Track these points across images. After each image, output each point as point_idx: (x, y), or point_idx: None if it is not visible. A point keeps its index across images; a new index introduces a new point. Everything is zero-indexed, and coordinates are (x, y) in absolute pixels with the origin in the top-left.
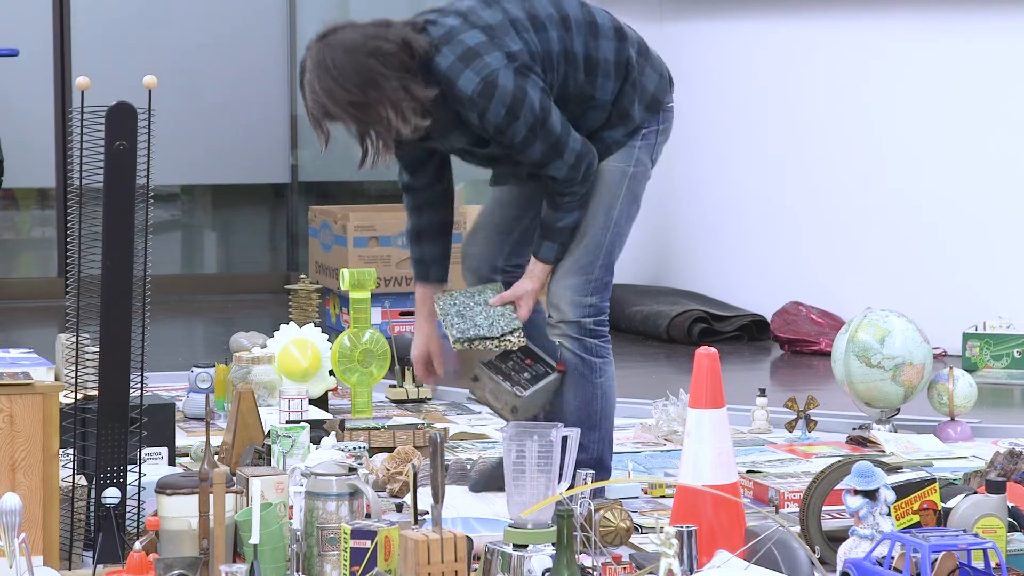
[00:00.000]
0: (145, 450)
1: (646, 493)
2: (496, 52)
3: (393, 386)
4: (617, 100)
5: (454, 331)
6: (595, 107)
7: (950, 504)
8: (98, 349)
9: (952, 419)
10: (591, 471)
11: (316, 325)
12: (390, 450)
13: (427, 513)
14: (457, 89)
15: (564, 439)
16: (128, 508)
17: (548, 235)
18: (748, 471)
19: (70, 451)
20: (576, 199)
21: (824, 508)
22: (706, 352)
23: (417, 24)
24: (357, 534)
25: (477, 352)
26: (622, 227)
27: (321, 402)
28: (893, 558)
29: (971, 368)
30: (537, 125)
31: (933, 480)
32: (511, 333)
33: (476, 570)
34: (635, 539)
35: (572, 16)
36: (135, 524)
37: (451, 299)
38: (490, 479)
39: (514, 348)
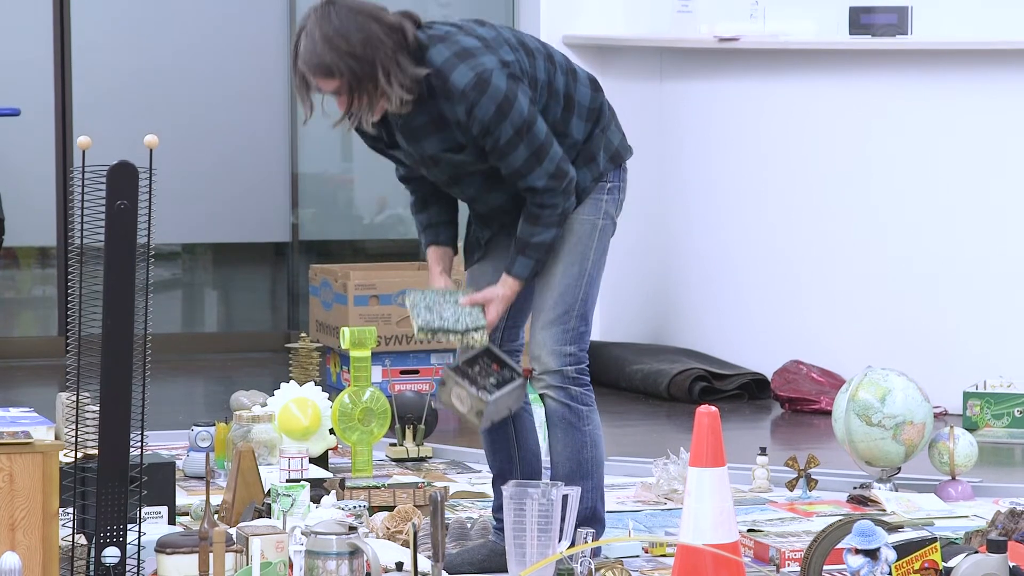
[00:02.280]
0: (145, 509)
1: (647, 552)
2: (491, 56)
3: (393, 445)
4: (586, 142)
5: (419, 320)
6: (566, 145)
7: (951, 564)
8: (98, 408)
9: (953, 478)
10: (591, 530)
11: (316, 384)
12: (390, 509)
13: (427, 572)
14: (450, 83)
15: (564, 497)
16: (128, 567)
17: (524, 251)
18: (749, 530)
19: (70, 510)
20: (555, 213)
21: (825, 567)
22: (707, 411)
23: (414, 18)
24: None
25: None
26: (595, 278)
27: (321, 461)
28: None
29: (972, 427)
30: (524, 129)
31: (934, 539)
32: (475, 330)
33: None
34: None
35: (556, 57)
36: None
37: (421, 294)
38: (470, 562)
39: (476, 345)
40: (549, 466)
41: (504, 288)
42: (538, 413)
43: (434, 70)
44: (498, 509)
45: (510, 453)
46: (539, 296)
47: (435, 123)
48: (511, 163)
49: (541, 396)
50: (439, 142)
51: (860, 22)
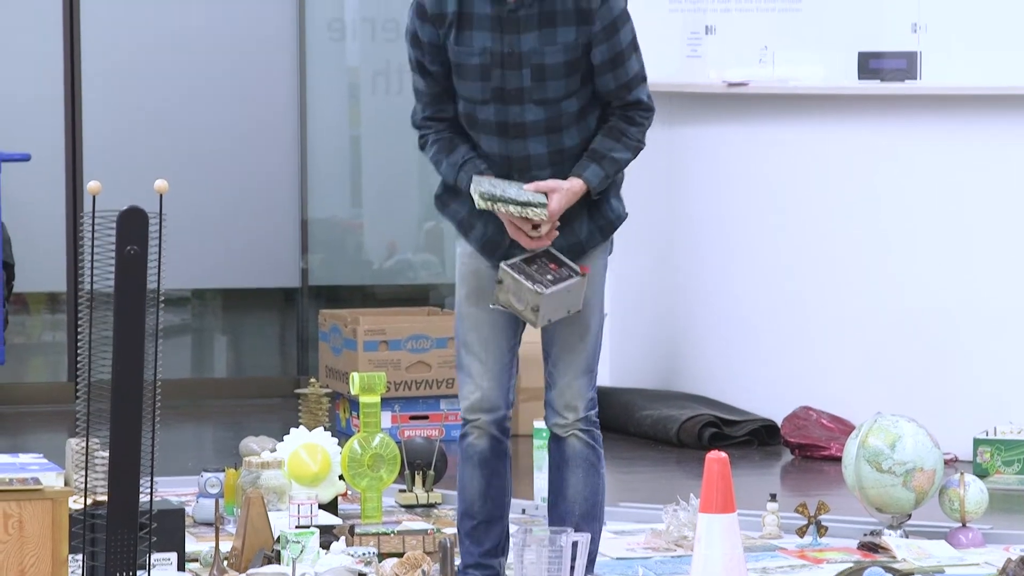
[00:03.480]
0: (154, 555)
1: None
2: None
3: (403, 491)
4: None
5: (482, 188)
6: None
7: None
8: (108, 454)
9: (963, 525)
10: None
11: (326, 429)
12: (400, 555)
13: None
14: None
15: (574, 544)
16: None
17: (600, 161)
18: None
19: (79, 557)
20: (642, 135)
21: None
22: (716, 457)
23: None
24: None
25: (499, 215)
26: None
27: (331, 507)
28: None
29: (982, 474)
30: (636, 42)
31: None
32: (537, 205)
33: None
34: None
35: None
36: None
37: (486, 179)
38: None
39: (536, 219)
40: (554, 506)
41: (571, 184)
42: (538, 456)
43: None
44: (488, 555)
45: (503, 500)
46: (578, 343)
47: (543, 17)
48: (626, 70)
49: (565, 438)
50: (538, 38)
51: (869, 67)
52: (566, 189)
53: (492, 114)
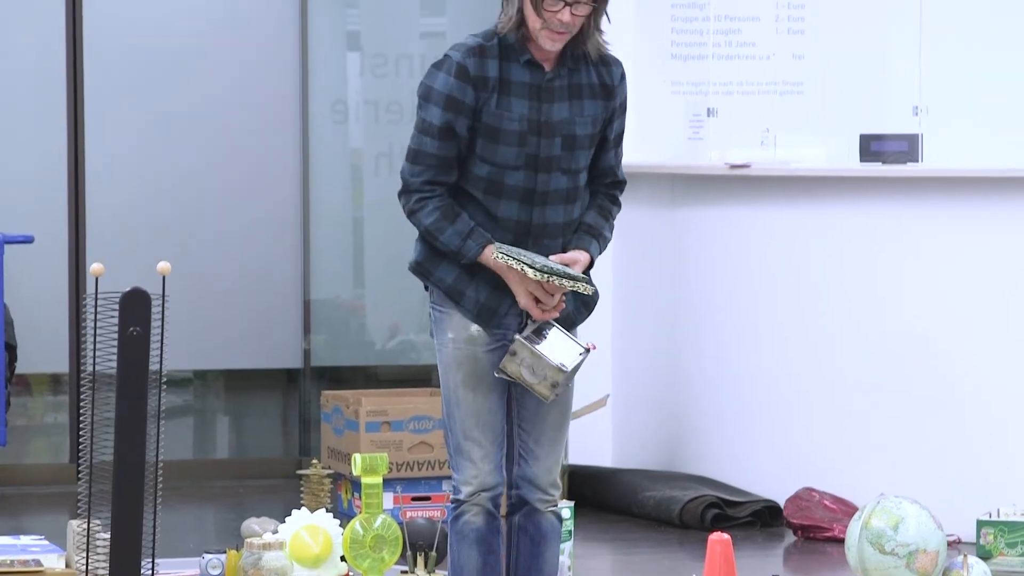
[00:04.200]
0: None
1: None
2: None
3: (405, 572)
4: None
5: (535, 261)
6: None
7: None
8: (109, 536)
9: None
10: None
11: (328, 510)
12: None
13: None
14: (621, 71)
15: None
16: None
17: (597, 238)
18: None
19: None
20: (616, 217)
21: None
22: (719, 538)
23: None
24: None
25: (550, 288)
26: None
27: None
28: None
29: (985, 556)
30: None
31: None
32: (586, 281)
33: None
34: None
35: None
36: None
37: (510, 248)
38: None
39: (587, 293)
40: None
41: (585, 257)
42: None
43: (612, 60)
44: None
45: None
46: (562, 420)
47: (573, 89)
48: (622, 149)
49: (544, 513)
50: (568, 108)
51: (871, 149)
52: (583, 262)
53: (521, 180)
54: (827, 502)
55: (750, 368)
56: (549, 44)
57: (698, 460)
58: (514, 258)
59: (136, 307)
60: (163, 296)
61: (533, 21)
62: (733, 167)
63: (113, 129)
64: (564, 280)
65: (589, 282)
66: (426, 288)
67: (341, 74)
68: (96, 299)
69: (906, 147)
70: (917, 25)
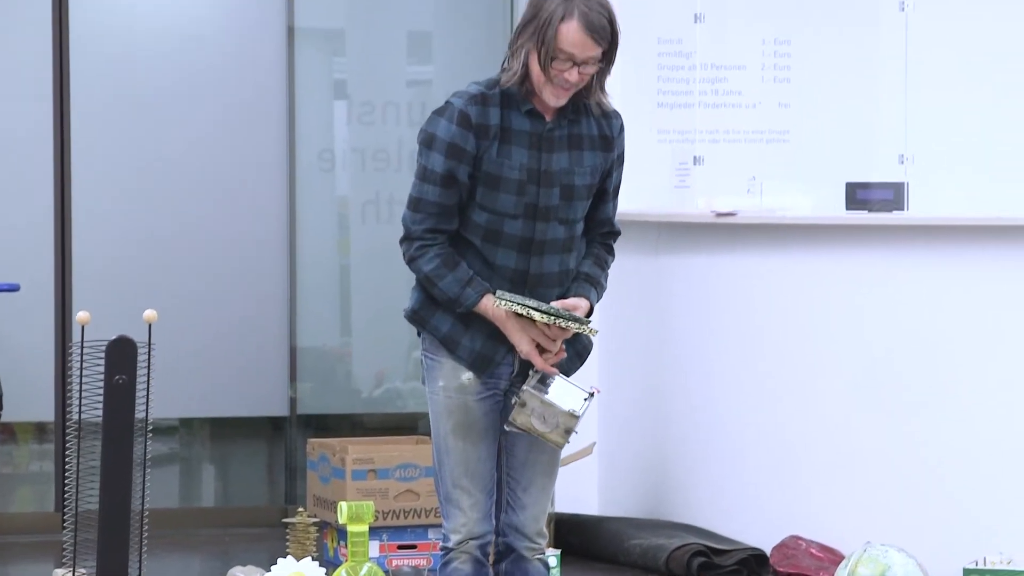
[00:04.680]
0: None
1: None
2: None
3: None
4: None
5: (542, 306)
6: None
7: None
8: None
9: None
10: None
11: (314, 559)
12: None
13: None
14: (620, 123)
15: None
16: None
17: (595, 287)
18: None
19: None
20: (610, 267)
21: None
22: None
23: None
24: None
25: (553, 333)
26: None
27: None
28: None
29: None
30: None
31: None
32: (584, 323)
33: None
34: None
35: None
36: None
37: (512, 295)
38: None
39: (592, 335)
40: None
41: (586, 304)
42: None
43: (612, 113)
44: None
45: None
46: (551, 468)
47: (573, 139)
48: (616, 203)
49: (531, 560)
50: (567, 158)
51: (857, 198)
52: (584, 308)
53: (519, 229)
54: (814, 550)
55: (736, 416)
56: (553, 100)
57: (684, 508)
58: (518, 303)
59: (122, 355)
60: (149, 344)
61: (538, 77)
62: (719, 215)
63: (100, 177)
64: (571, 323)
65: (587, 324)
66: (419, 335)
67: (328, 122)
68: (82, 347)
69: (892, 195)
70: (903, 74)
